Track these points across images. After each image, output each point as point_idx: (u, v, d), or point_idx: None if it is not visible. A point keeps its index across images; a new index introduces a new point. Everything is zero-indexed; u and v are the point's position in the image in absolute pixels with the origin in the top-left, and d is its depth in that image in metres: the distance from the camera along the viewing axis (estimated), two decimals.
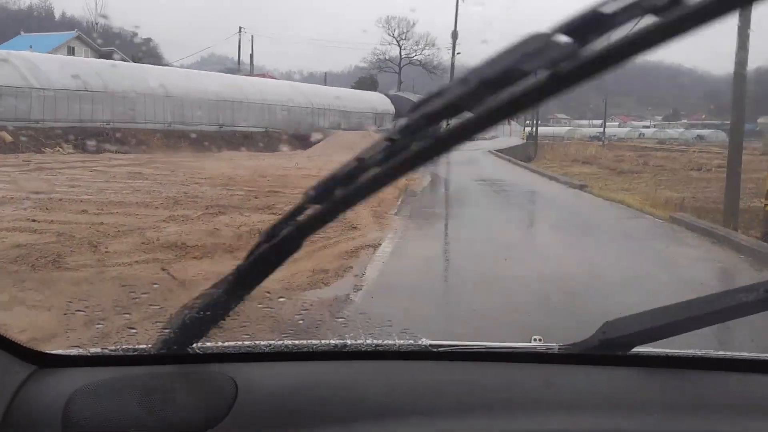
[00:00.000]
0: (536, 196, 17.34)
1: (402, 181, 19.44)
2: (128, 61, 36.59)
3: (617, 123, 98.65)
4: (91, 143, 24.81)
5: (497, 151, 38.69)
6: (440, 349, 1.25)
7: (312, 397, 1.12)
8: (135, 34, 64.83)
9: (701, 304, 1.17)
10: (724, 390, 1.18)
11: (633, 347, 1.21)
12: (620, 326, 1.21)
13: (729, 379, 1.21)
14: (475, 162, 28.61)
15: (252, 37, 61.98)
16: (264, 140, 34.24)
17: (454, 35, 50.31)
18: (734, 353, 1.23)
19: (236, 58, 54.05)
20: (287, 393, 1.13)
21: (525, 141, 62.52)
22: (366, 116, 44.72)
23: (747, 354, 1.25)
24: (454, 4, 47.97)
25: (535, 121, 75.49)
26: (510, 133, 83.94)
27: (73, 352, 1.22)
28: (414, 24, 69.74)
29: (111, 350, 1.23)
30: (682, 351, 1.22)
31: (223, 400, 1.08)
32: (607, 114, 76.91)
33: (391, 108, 48.68)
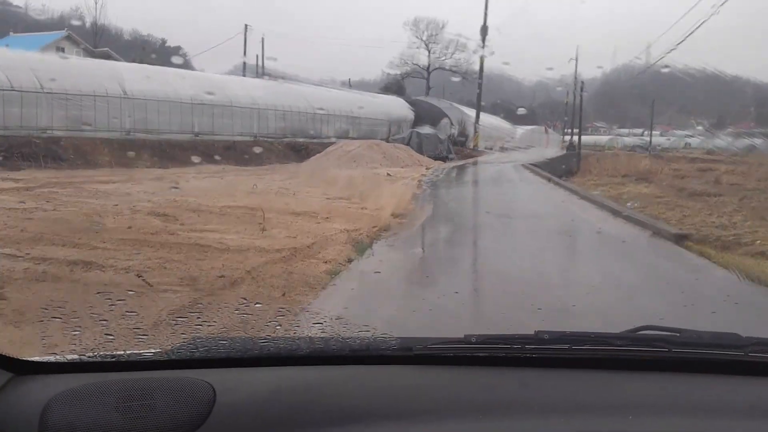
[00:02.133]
0: (607, 274, 9.54)
1: (389, 206, 11.73)
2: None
3: (658, 132, 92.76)
4: (10, 157, 19.36)
5: (532, 164, 32.35)
6: (419, 353, 1.28)
7: (290, 402, 1.15)
8: (164, 41, 60.85)
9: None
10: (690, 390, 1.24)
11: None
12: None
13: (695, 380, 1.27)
14: (502, 180, 22.43)
15: (262, 38, 56.67)
16: (250, 151, 28.53)
17: (483, 31, 44.12)
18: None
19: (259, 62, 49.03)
20: (265, 398, 1.16)
21: (565, 151, 56.51)
22: (379, 123, 38.75)
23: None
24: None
25: (573, 130, 69.08)
26: (547, 143, 78.52)
27: (51, 358, 1.24)
28: (444, 26, 66.28)
29: (88, 356, 1.25)
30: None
31: (202, 406, 1.09)
32: (649, 122, 73.02)
33: (410, 114, 42.61)
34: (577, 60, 71.79)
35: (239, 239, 7.56)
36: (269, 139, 30.65)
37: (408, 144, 34.47)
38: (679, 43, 36.45)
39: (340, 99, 36.83)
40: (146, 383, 1.16)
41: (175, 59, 41.62)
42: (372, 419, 1.10)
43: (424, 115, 42.97)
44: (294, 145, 31.05)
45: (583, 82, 41.97)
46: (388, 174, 22.34)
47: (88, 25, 54.11)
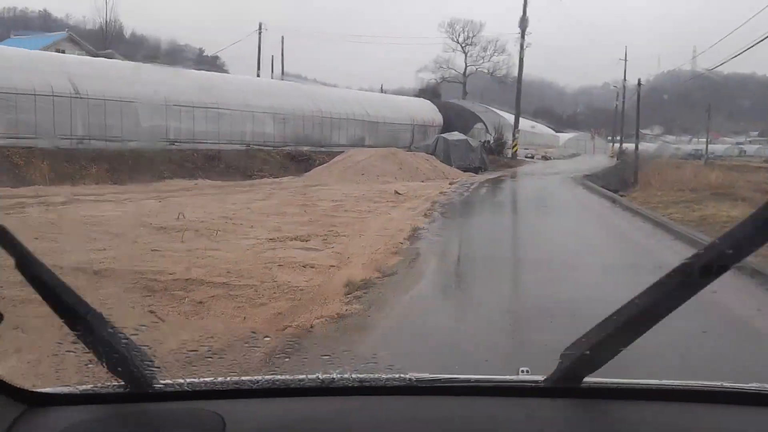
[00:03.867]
0: None
1: (360, 259, 7.54)
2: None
3: (706, 139, 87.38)
4: None
5: (584, 177, 26.67)
6: (426, 384, 1.27)
7: None
8: (202, 51, 57.60)
9: (630, 308, 1.11)
10: (704, 422, 1.20)
11: (586, 376, 1.21)
12: (573, 356, 1.20)
13: (712, 410, 1.22)
14: (550, 203, 16.85)
15: (282, 38, 52.23)
16: (238, 162, 23.69)
17: (523, 23, 38.55)
18: (714, 383, 1.20)
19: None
20: (274, 429, 1.15)
21: (615, 159, 50.61)
22: (401, 129, 33.54)
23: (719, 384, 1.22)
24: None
25: (618, 137, 63.09)
26: (593, 150, 72.84)
27: (64, 390, 1.24)
28: (482, 27, 62.72)
29: (101, 387, 1.23)
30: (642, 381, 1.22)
31: None
32: (697, 129, 69.84)
33: (438, 118, 37.24)
34: (626, 60, 66.13)
35: None
36: (266, 148, 25.75)
37: (434, 153, 29.18)
38: (736, 55, 30.80)
39: (355, 101, 31.72)
40: (157, 414, 1.17)
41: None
42: None
43: (455, 119, 37.53)
44: (296, 154, 26.08)
45: (640, 83, 35.93)
46: (397, 192, 17.09)
47: (127, 35, 51.01)
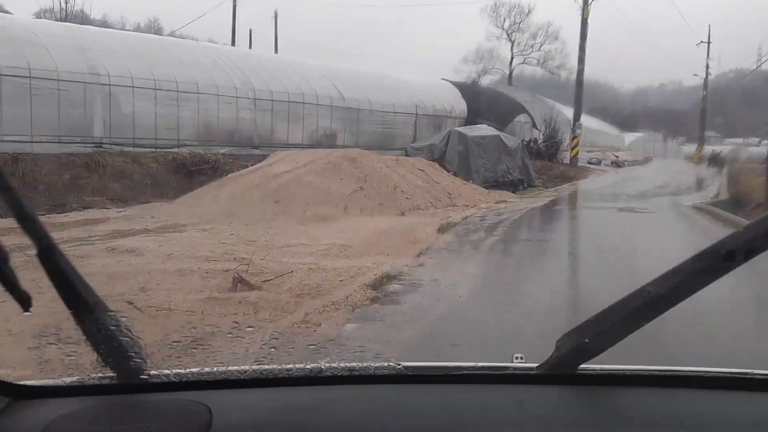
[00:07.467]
0: None
1: None
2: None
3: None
4: None
5: (705, 205, 14.67)
6: (416, 372, 1.27)
7: (288, 424, 1.14)
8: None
9: (640, 294, 1.09)
10: (698, 407, 1.19)
11: (582, 363, 1.19)
12: (570, 342, 1.18)
13: (700, 396, 1.22)
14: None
15: (276, 12, 41.43)
16: (69, 175, 12.81)
17: None
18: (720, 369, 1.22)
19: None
20: (262, 419, 1.15)
21: (705, 166, 38.53)
22: (397, 120, 21.88)
23: (715, 370, 1.23)
24: None
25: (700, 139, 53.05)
26: (665, 153, 62.14)
27: (48, 382, 1.23)
28: (530, 11, 52.58)
29: (85, 379, 1.23)
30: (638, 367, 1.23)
31: (198, 428, 1.09)
32: (755, 130, 60.73)
33: (461, 106, 25.43)
34: (709, 43, 53.49)
35: None
36: (138, 149, 14.64)
37: (442, 157, 17.62)
38: None
39: (322, 76, 20.15)
40: (143, 405, 1.16)
41: None
42: None
43: (488, 109, 25.66)
44: (190, 161, 14.80)
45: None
46: (309, 267, 5.73)
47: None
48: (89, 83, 13.99)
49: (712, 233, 10.76)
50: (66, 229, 9.56)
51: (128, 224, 10.20)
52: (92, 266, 6.85)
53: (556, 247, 9.09)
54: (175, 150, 15.25)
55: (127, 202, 12.90)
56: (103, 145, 14.29)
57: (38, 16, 36.55)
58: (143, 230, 9.48)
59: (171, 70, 15.68)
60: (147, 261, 7.02)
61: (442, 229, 9.49)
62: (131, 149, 14.60)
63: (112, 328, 1.13)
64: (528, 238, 9.87)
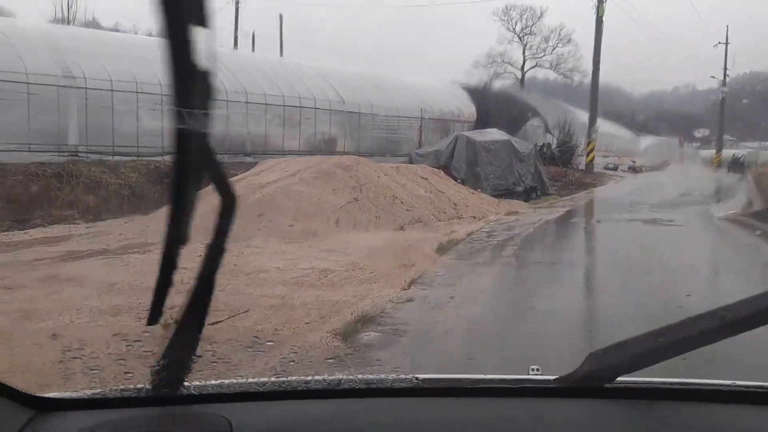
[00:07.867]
0: None
1: None
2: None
3: None
4: None
5: (728, 217, 13.32)
6: (433, 385, 1.26)
7: None
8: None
9: (673, 331, 1.11)
10: (711, 421, 1.18)
11: (616, 377, 1.18)
12: (604, 357, 1.17)
13: (719, 411, 1.20)
14: None
15: (281, 15, 40.62)
16: (37, 185, 11.72)
17: None
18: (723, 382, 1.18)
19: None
20: (282, 431, 1.15)
21: (726, 171, 37.13)
22: (401, 125, 20.66)
23: (731, 383, 1.19)
24: None
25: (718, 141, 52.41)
26: (682, 158, 60.86)
27: (72, 395, 1.24)
28: (542, 14, 52.48)
29: (108, 392, 1.23)
30: (666, 380, 1.19)
31: None
32: None
33: (470, 110, 24.19)
34: (727, 43, 51.91)
35: None
36: (118, 157, 13.56)
37: (448, 163, 16.41)
38: None
39: (320, 77, 18.97)
40: (165, 418, 1.16)
41: None
42: None
43: (498, 114, 24.37)
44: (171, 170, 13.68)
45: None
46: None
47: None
48: (63, 86, 12.90)
49: (765, 254, 9.38)
50: (14, 250, 8.43)
51: (89, 243, 9.04)
52: (14, 301, 5.69)
53: (576, 276, 7.37)
54: (159, 159, 14.13)
55: (100, 216, 11.79)
56: (79, 154, 13.21)
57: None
58: (101, 251, 8.31)
59: (154, 72, 14.58)
60: (82, 294, 5.86)
61: (441, 249, 8.21)
62: (110, 158, 13.51)
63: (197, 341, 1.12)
64: (540, 261, 8.41)
